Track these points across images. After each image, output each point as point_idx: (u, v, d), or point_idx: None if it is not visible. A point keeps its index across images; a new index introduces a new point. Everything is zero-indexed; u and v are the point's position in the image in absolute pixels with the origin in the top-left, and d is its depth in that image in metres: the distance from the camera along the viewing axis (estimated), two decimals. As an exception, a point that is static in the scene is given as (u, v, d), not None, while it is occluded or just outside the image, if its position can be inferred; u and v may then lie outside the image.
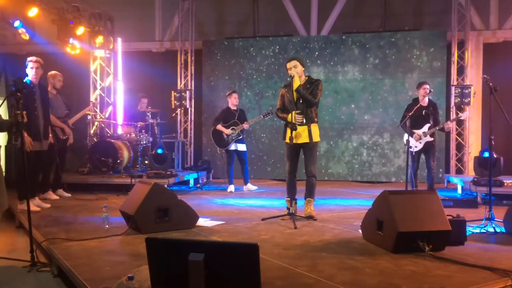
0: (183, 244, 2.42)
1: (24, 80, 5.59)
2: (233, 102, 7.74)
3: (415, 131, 6.61)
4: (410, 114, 6.15)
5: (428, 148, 6.64)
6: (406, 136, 6.58)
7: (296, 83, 5.11)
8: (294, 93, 5.14)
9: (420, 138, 6.60)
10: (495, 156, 6.74)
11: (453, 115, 9.04)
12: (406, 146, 6.33)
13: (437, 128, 6.61)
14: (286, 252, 3.72)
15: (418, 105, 6.44)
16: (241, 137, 7.66)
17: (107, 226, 4.57)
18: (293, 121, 5.07)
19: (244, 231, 4.56)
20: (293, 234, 4.38)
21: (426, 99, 6.70)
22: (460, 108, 9.11)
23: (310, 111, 5.15)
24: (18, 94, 3.86)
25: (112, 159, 8.09)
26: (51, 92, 6.54)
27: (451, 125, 6.66)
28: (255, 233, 4.45)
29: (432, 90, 6.84)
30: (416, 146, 6.65)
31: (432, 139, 6.63)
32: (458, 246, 3.85)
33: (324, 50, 9.69)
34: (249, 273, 2.32)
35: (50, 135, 6.10)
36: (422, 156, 6.81)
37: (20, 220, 5.26)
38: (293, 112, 5.11)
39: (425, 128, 6.60)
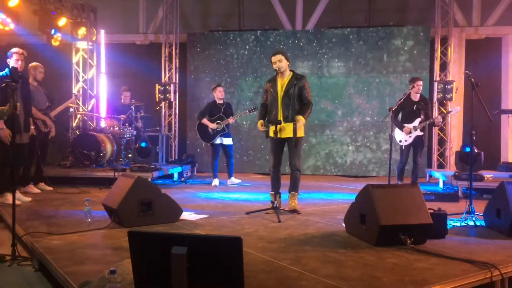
0: (165, 237, 2.41)
1: (5, 71, 5.50)
2: (218, 95, 7.70)
3: (405, 125, 6.68)
4: (393, 108, 6.25)
5: (417, 143, 6.72)
6: (396, 130, 6.71)
7: (281, 85, 5.13)
8: (279, 90, 5.16)
9: (410, 132, 6.66)
10: (476, 151, 6.84)
11: (436, 111, 9.16)
12: (390, 141, 6.40)
13: (428, 122, 6.67)
14: (269, 245, 3.73)
15: (401, 100, 6.46)
16: (226, 131, 7.62)
17: (89, 220, 4.53)
18: (279, 118, 5.08)
19: (228, 225, 4.56)
20: (277, 228, 4.40)
21: (418, 94, 6.76)
22: (442, 103, 9.22)
23: (295, 107, 5.15)
24: (13, 84, 3.82)
25: (95, 153, 8.00)
26: (32, 84, 6.44)
27: (441, 120, 6.75)
28: (239, 227, 4.45)
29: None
30: (406, 140, 6.71)
31: (422, 133, 6.70)
32: (439, 239, 3.90)
33: (309, 44, 9.71)
34: (232, 267, 2.32)
35: (32, 127, 6.01)
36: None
37: None
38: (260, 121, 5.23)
39: (416, 122, 6.66)
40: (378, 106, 9.44)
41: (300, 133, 5.20)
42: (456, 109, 6.92)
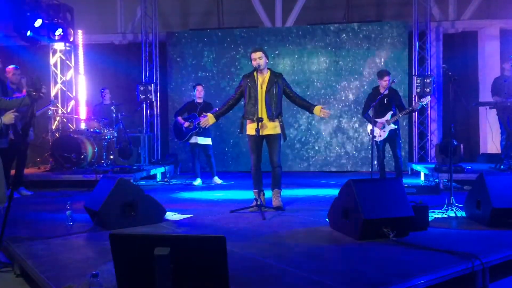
0: (148, 238, 2.39)
1: None
2: (197, 94, 7.65)
3: (377, 120, 6.50)
4: (374, 104, 6.17)
5: (392, 137, 6.54)
6: (370, 126, 6.60)
7: (260, 83, 5.14)
8: (259, 87, 5.13)
9: (384, 127, 6.52)
10: (455, 143, 6.94)
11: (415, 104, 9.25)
12: (371, 136, 6.42)
13: (404, 112, 6.51)
14: (254, 243, 3.73)
15: (381, 95, 6.47)
16: (200, 130, 7.40)
17: (71, 223, 4.46)
18: (260, 115, 5.07)
19: (212, 224, 4.55)
20: (261, 226, 4.40)
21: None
22: (421, 97, 9.33)
23: (278, 105, 5.18)
24: (34, 93, 3.79)
25: (75, 155, 7.89)
26: (11, 87, 6.33)
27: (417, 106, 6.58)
28: (224, 225, 4.44)
29: (395, 80, 6.92)
30: (380, 135, 6.53)
31: (396, 126, 6.54)
32: (421, 231, 3.96)
33: (289, 41, 9.72)
34: (216, 266, 2.32)
35: (11, 131, 5.91)
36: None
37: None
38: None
39: (388, 116, 6.50)
40: (358, 100, 9.51)
41: (280, 129, 5.22)
42: (427, 99, 6.60)
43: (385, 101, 6.51)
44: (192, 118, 7.52)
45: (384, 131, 6.53)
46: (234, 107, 5.45)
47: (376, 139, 6.56)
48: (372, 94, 6.61)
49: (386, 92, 6.49)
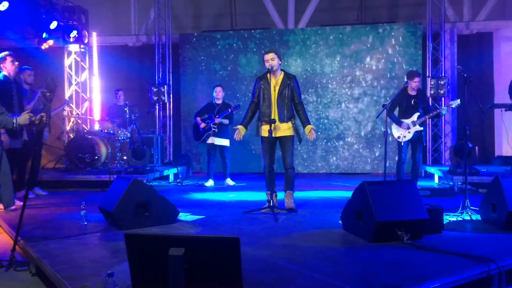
0: (162, 239, 2.40)
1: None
2: (215, 95, 7.68)
3: (403, 120, 6.43)
4: (388, 105, 6.05)
5: (416, 139, 6.44)
6: (394, 126, 6.55)
7: (273, 84, 5.14)
8: (272, 89, 5.15)
9: (409, 127, 6.41)
10: (470, 145, 6.85)
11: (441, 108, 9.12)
12: (385, 138, 6.35)
13: (429, 116, 6.44)
14: (267, 244, 3.73)
15: (397, 95, 6.35)
16: (216, 131, 7.49)
17: (85, 223, 4.50)
18: (273, 117, 5.08)
19: (225, 225, 4.56)
20: (274, 227, 4.40)
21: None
22: (435, 99, 9.26)
23: (290, 108, 5.19)
24: (48, 94, 3.83)
25: (89, 156, 7.96)
26: (25, 87, 6.41)
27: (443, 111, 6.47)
28: (236, 227, 4.45)
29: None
30: (404, 136, 6.43)
31: (421, 128, 6.43)
32: (436, 234, 3.92)
33: (302, 43, 9.71)
34: (230, 267, 2.32)
35: (25, 132, 5.99)
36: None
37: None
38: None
39: (414, 117, 6.39)
40: (372, 102, 9.46)
41: (293, 131, 5.22)
42: (456, 102, 6.51)
43: (412, 102, 6.43)
44: (208, 119, 7.56)
45: (409, 132, 6.43)
46: (258, 110, 5.37)
47: (400, 140, 6.49)
48: (400, 94, 6.45)
49: (415, 93, 6.45)
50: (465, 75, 4.89)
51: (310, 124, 5.23)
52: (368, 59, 9.52)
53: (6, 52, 5.71)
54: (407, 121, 6.44)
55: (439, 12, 9.27)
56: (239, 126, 5.32)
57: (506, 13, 9.54)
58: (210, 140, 7.58)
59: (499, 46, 9.52)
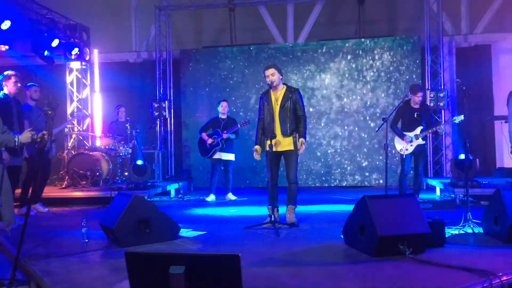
0: (163, 257, 2.40)
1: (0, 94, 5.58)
2: (220, 110, 7.69)
3: (406, 133, 6.42)
4: (388, 118, 6.05)
5: (419, 152, 6.44)
6: (396, 139, 6.55)
7: (275, 99, 5.18)
8: (273, 103, 5.19)
9: (411, 141, 6.39)
10: (471, 158, 6.84)
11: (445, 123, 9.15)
12: (385, 151, 6.35)
13: (430, 131, 6.45)
14: (269, 260, 3.71)
15: (398, 107, 6.36)
16: (224, 146, 7.52)
17: (86, 240, 4.50)
18: (275, 132, 5.10)
19: (227, 241, 4.54)
20: (275, 242, 4.38)
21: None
22: (435, 111, 9.28)
23: (293, 121, 5.20)
24: (50, 112, 3.86)
25: (90, 172, 7.97)
26: (30, 104, 6.46)
27: (444, 128, 6.50)
28: (238, 242, 4.43)
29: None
30: (407, 149, 6.42)
31: (424, 142, 6.43)
32: (438, 248, 3.90)
33: (301, 57, 9.78)
34: (231, 284, 2.31)
35: (25, 149, 6.00)
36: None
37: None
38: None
39: (417, 130, 6.39)
40: (372, 115, 9.48)
41: (296, 146, 5.22)
42: (460, 117, 6.32)
43: (415, 115, 6.44)
44: (215, 134, 7.57)
45: (411, 145, 6.42)
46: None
47: (402, 153, 6.49)
48: (402, 107, 6.47)
49: (418, 106, 6.47)
50: (464, 88, 4.92)
51: (302, 138, 5.24)
52: (367, 72, 9.57)
53: (12, 72, 5.74)
54: (410, 134, 6.43)
55: (437, 25, 9.35)
56: (256, 147, 5.34)
57: (504, 25, 9.62)
58: (217, 155, 7.57)
59: (497, 59, 9.58)
